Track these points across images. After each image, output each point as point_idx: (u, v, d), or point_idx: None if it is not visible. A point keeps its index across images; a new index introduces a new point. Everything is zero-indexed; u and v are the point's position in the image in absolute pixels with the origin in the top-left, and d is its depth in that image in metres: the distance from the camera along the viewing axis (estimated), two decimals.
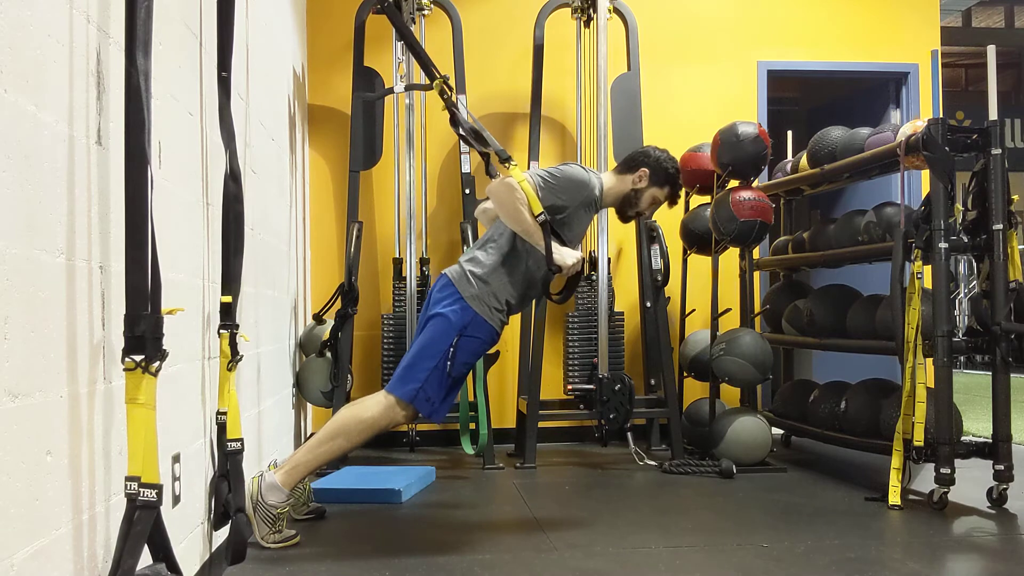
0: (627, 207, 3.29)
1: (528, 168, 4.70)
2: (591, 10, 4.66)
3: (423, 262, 4.72)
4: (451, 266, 3.13)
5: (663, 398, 4.56)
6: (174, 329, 1.91)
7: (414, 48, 3.41)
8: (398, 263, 4.71)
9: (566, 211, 3.07)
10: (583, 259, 3.08)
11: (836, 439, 4.10)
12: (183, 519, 2.22)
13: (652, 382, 4.87)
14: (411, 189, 4.68)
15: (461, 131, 3.23)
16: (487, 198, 3.18)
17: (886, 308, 3.78)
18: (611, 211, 4.54)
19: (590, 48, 4.75)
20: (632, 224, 4.78)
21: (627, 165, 3.30)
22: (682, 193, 3.45)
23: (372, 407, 3.00)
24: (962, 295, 10.68)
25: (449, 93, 3.24)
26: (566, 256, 3.00)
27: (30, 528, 1.41)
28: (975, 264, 3.60)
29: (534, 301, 4.45)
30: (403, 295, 4.60)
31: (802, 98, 7.65)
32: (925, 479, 3.71)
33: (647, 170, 3.24)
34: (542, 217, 2.95)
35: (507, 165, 3.03)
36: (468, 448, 4.18)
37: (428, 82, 3.35)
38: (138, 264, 1.60)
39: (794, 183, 4.61)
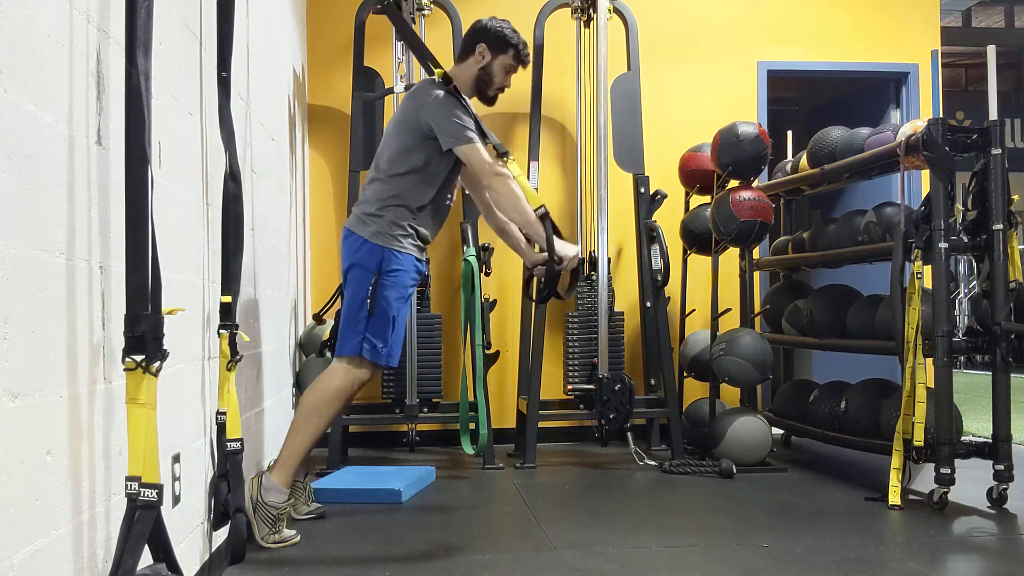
0: (485, 87, 3.26)
1: (528, 169, 4.71)
2: (591, 10, 4.66)
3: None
4: (348, 219, 3.14)
5: (663, 398, 4.56)
6: (174, 329, 1.91)
7: (415, 46, 3.40)
8: None
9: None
10: (579, 252, 3.12)
11: (836, 439, 4.10)
12: (183, 519, 2.22)
13: (652, 382, 4.87)
14: None
15: None
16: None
17: (886, 308, 3.78)
18: (611, 212, 4.57)
19: (590, 48, 4.75)
20: (632, 224, 4.80)
21: (464, 50, 3.27)
22: (529, 50, 3.33)
23: (331, 377, 3.03)
24: (962, 295, 10.68)
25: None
26: (568, 249, 3.04)
27: (30, 528, 1.40)
28: (975, 264, 3.60)
29: (533, 303, 4.46)
30: None
31: (802, 98, 7.65)
32: (925, 479, 3.71)
33: (484, 44, 3.22)
34: (542, 210, 2.97)
35: (504, 160, 3.03)
36: (468, 448, 4.17)
37: None
38: (138, 264, 1.60)
39: (794, 183, 4.61)
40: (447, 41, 4.69)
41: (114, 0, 1.77)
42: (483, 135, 3.12)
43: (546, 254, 3.04)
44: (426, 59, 3.29)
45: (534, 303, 4.36)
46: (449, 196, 3.18)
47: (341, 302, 4.25)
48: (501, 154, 3.05)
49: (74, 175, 1.59)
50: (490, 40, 3.22)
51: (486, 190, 3.13)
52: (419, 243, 3.09)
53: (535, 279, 3.33)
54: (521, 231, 3.24)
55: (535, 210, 2.98)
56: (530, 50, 3.38)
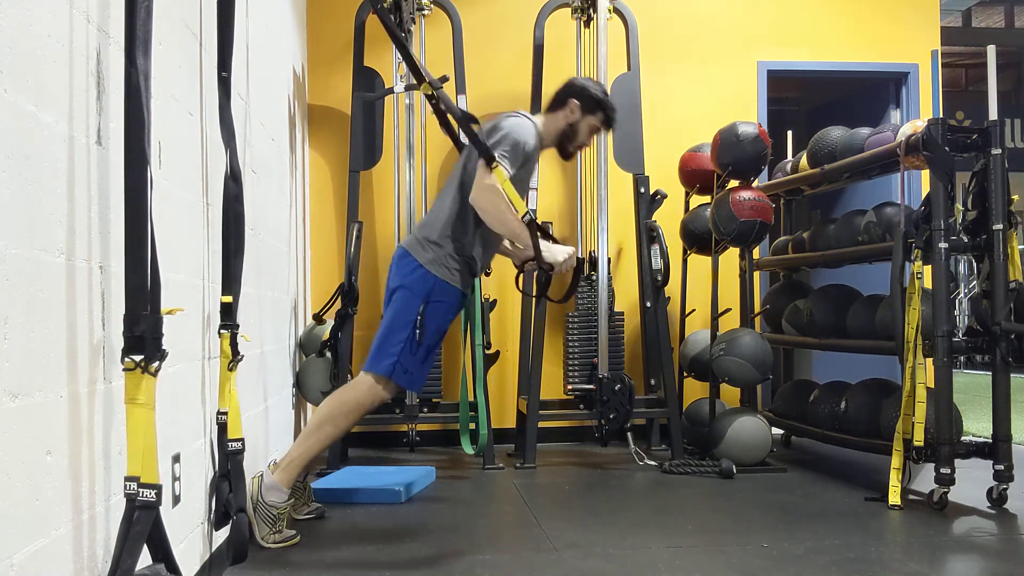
0: (567, 142, 3.28)
1: None
2: (591, 10, 4.66)
3: None
4: (406, 238, 3.14)
5: (663, 398, 4.55)
6: (174, 329, 1.91)
7: (404, 52, 3.37)
8: None
9: (523, 169, 3.10)
10: (575, 253, 3.09)
11: (836, 439, 4.10)
12: (183, 519, 2.22)
13: (652, 382, 4.87)
14: (411, 189, 4.68)
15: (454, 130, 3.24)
16: None
17: (886, 308, 3.78)
18: (611, 212, 4.57)
19: (590, 48, 4.75)
20: (632, 224, 4.80)
21: (556, 102, 3.29)
22: (615, 116, 3.37)
23: (355, 390, 3.04)
24: (962, 295, 10.68)
25: (436, 96, 3.24)
26: (556, 253, 3.02)
27: (30, 528, 1.41)
28: (975, 264, 3.60)
29: (534, 302, 4.47)
30: None
31: (802, 98, 7.65)
32: (925, 479, 3.71)
33: (577, 101, 3.24)
34: (527, 217, 2.95)
35: (491, 167, 2.99)
36: (468, 448, 4.18)
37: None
38: (138, 264, 1.60)
39: (794, 183, 4.61)
40: (447, 41, 4.69)
41: (114, 0, 1.77)
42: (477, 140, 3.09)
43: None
44: (413, 65, 3.24)
45: (531, 298, 4.37)
46: None
47: (341, 302, 4.29)
48: (488, 161, 2.95)
49: (74, 175, 1.59)
50: (583, 99, 3.25)
51: (471, 203, 3.05)
52: (470, 278, 3.11)
53: (523, 275, 3.34)
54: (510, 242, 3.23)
55: (521, 217, 2.95)
56: (612, 102, 3.35)
